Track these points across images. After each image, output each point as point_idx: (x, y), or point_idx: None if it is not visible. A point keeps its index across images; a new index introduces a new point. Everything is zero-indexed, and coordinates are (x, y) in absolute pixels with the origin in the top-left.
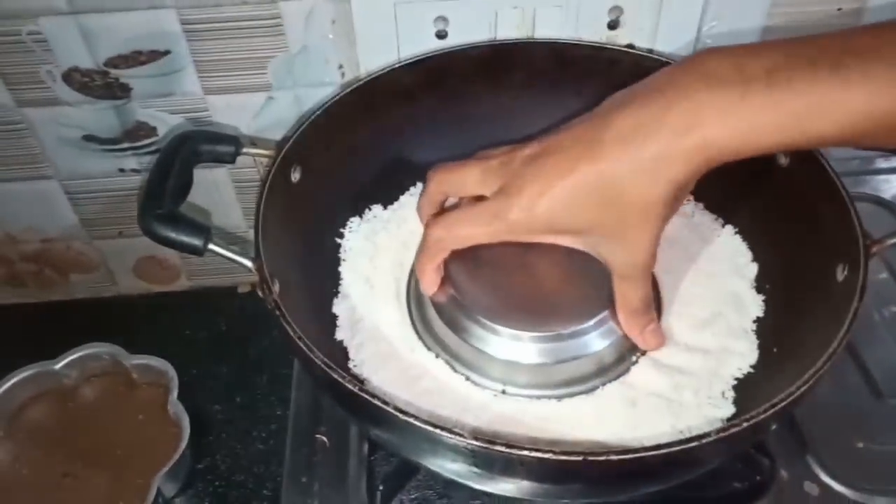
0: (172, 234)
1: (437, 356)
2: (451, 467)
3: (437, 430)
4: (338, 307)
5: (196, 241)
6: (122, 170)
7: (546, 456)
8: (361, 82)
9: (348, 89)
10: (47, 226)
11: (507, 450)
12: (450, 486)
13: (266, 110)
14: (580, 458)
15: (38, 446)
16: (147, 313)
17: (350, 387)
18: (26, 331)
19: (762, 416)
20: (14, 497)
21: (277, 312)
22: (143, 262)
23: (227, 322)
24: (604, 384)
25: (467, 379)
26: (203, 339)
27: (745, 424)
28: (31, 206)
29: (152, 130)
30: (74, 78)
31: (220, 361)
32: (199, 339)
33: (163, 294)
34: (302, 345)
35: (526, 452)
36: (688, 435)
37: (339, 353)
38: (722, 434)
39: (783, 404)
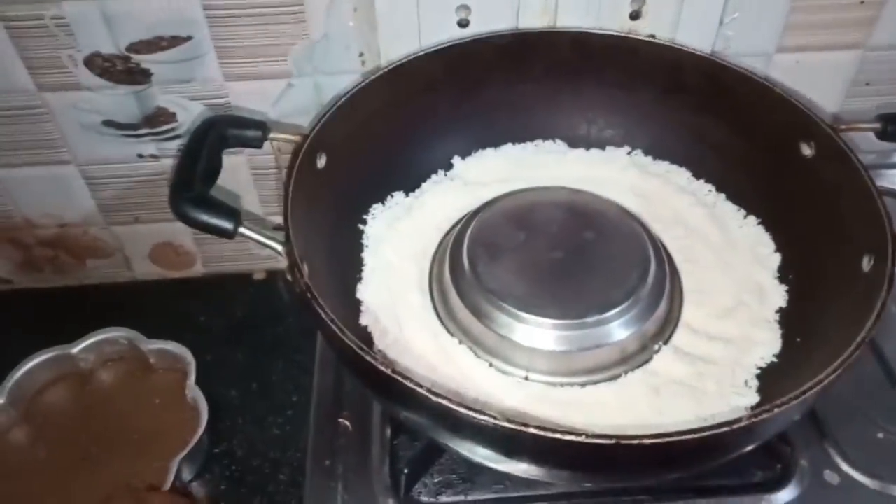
0: (204, 217)
1: (461, 342)
2: (478, 450)
3: (470, 413)
4: (361, 293)
5: (227, 224)
6: (140, 155)
7: (578, 439)
8: (386, 70)
9: (373, 77)
10: (64, 211)
11: (539, 433)
12: (473, 469)
13: (285, 97)
14: (613, 442)
15: (55, 429)
16: (162, 299)
17: (383, 368)
18: (43, 315)
19: (794, 402)
20: (32, 479)
21: (309, 295)
22: (159, 248)
23: (243, 308)
24: (626, 372)
25: (490, 365)
26: (218, 326)
27: (776, 410)
28: (48, 190)
29: (172, 116)
30: (96, 63)
31: (236, 347)
32: (214, 325)
33: (178, 280)
34: (335, 327)
35: (559, 436)
36: (712, 423)
37: (364, 339)
38: (753, 420)
39: (814, 391)
